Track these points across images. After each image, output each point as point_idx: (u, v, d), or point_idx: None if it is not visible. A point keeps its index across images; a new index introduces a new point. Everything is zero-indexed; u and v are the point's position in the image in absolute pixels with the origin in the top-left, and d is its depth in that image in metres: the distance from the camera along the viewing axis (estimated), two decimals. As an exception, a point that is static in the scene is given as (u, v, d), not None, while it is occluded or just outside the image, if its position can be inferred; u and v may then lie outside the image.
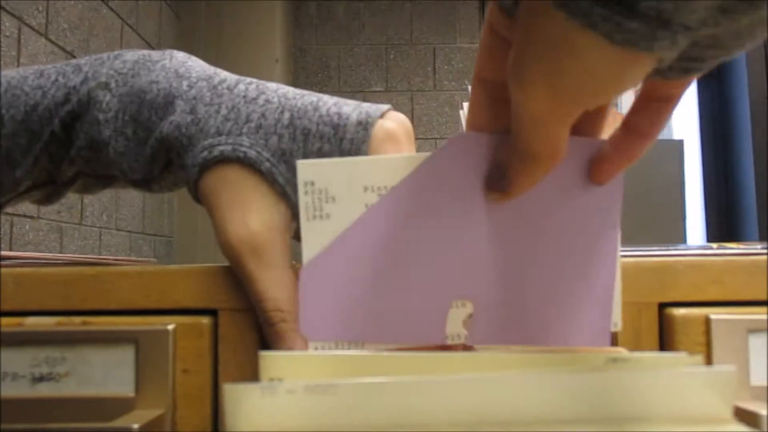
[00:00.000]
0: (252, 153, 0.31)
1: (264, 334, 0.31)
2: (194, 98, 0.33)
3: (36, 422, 0.31)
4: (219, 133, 0.32)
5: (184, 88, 0.33)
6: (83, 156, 0.35)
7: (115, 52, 0.36)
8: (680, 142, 1.04)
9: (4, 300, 0.33)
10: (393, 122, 0.32)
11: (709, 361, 0.31)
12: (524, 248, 0.29)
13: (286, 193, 0.31)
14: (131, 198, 1.88)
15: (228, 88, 0.33)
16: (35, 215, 1.40)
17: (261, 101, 0.33)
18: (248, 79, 0.34)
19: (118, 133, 0.34)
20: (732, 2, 0.20)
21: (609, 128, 0.29)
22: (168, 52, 0.36)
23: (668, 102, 0.27)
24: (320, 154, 0.31)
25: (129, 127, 0.34)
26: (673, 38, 0.20)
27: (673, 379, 0.23)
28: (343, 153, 0.31)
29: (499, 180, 0.27)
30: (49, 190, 0.39)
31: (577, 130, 0.26)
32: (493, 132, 0.28)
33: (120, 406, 0.31)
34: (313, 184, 0.29)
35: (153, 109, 0.34)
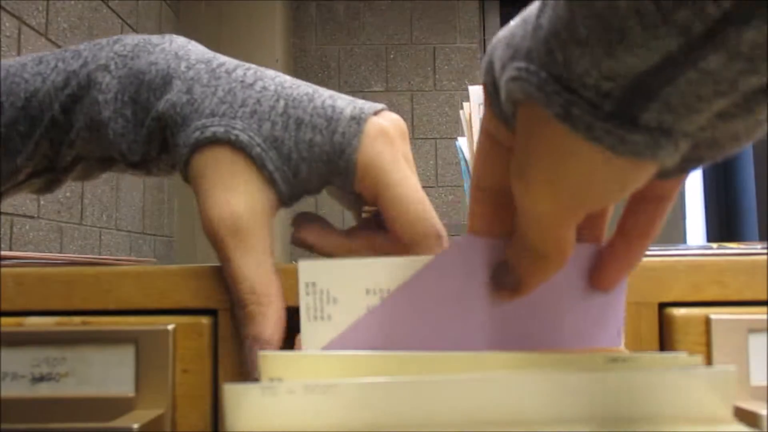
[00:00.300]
0: (244, 137, 0.31)
1: (235, 317, 0.31)
2: (191, 79, 0.33)
3: (36, 422, 0.31)
4: (213, 114, 0.32)
5: (182, 69, 0.34)
6: (83, 137, 0.35)
7: (115, 37, 0.37)
8: (680, 142, 1.04)
9: (4, 300, 0.33)
10: (386, 121, 0.32)
11: (709, 361, 0.31)
12: (527, 348, 0.28)
13: (273, 180, 0.31)
14: (131, 198, 1.88)
15: (226, 72, 0.34)
16: (35, 215, 1.40)
17: (258, 87, 0.33)
18: (247, 65, 0.35)
19: (117, 114, 0.34)
20: (730, 108, 0.20)
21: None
22: (168, 36, 0.36)
23: (663, 201, 0.27)
24: (311, 144, 0.31)
25: (128, 108, 0.34)
26: (675, 146, 0.20)
27: (673, 379, 0.23)
28: (334, 146, 0.31)
29: (507, 278, 0.27)
30: (49, 177, 0.39)
31: (578, 230, 0.25)
32: (495, 236, 0.28)
33: (120, 406, 0.31)
34: (314, 285, 0.28)
35: (151, 90, 0.34)
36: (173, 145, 0.33)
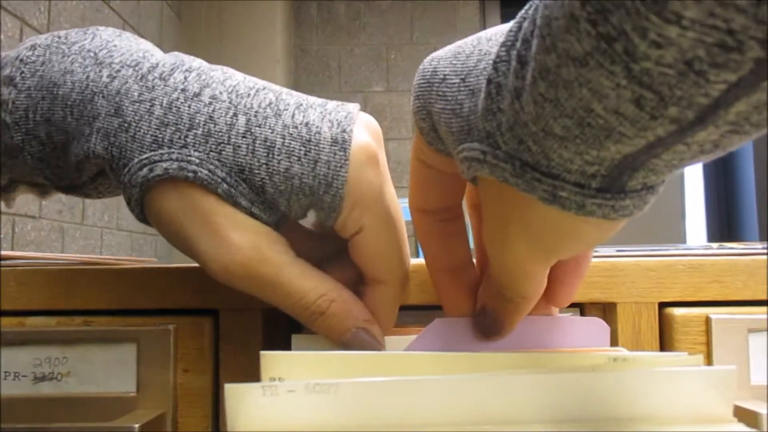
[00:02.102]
0: (203, 174, 0.26)
1: (317, 330, 0.28)
2: (118, 93, 0.27)
3: (37, 422, 0.31)
4: (158, 144, 0.26)
5: (105, 79, 0.28)
6: (6, 164, 0.30)
7: (30, 39, 0.31)
8: (681, 142, 1.04)
9: (6, 300, 0.33)
10: (367, 133, 0.28)
11: (709, 360, 0.31)
12: None
13: (253, 214, 0.27)
14: (132, 198, 1.88)
15: (161, 78, 0.28)
16: (37, 215, 1.40)
17: (206, 98, 0.27)
18: (187, 64, 0.29)
19: (31, 136, 0.29)
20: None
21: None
22: (92, 29, 0.31)
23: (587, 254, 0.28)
24: (289, 175, 0.26)
25: (41, 128, 0.29)
26: (657, 193, 0.21)
27: (674, 379, 0.23)
28: (317, 178, 0.26)
29: (488, 322, 0.28)
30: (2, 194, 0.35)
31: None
32: (463, 310, 0.29)
33: (121, 406, 0.31)
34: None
35: (67, 108, 0.28)
36: (116, 182, 0.28)
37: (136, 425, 0.28)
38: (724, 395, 0.23)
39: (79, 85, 0.28)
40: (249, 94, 0.28)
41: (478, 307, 0.28)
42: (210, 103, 0.27)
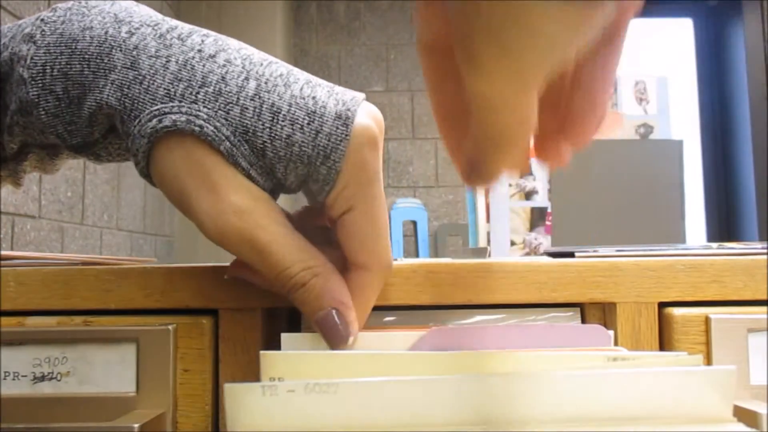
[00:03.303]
0: (209, 129, 0.27)
1: (296, 303, 0.28)
2: (135, 48, 0.28)
3: (37, 421, 0.31)
4: (170, 96, 0.27)
5: (123, 35, 0.28)
6: (19, 123, 0.31)
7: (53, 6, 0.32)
8: (680, 143, 1.05)
9: (5, 300, 0.33)
10: (371, 120, 0.29)
11: (708, 360, 0.31)
12: None
13: (251, 177, 0.28)
14: (132, 198, 1.88)
15: (179, 38, 0.29)
16: (36, 215, 1.40)
17: (220, 60, 0.28)
18: (205, 31, 0.30)
19: (47, 91, 0.29)
20: None
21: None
22: None
23: (615, 39, 0.24)
24: (290, 142, 0.27)
25: (58, 83, 0.29)
26: None
27: (673, 379, 0.23)
28: (317, 148, 0.27)
29: (475, 171, 0.25)
30: (8, 169, 0.35)
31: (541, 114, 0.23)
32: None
33: (121, 406, 0.31)
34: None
35: (85, 61, 0.28)
36: (125, 134, 0.29)
37: (136, 425, 0.28)
38: (724, 395, 0.23)
39: (97, 40, 0.29)
40: (262, 64, 0.29)
41: (465, 163, 0.26)
42: (224, 65, 0.28)
